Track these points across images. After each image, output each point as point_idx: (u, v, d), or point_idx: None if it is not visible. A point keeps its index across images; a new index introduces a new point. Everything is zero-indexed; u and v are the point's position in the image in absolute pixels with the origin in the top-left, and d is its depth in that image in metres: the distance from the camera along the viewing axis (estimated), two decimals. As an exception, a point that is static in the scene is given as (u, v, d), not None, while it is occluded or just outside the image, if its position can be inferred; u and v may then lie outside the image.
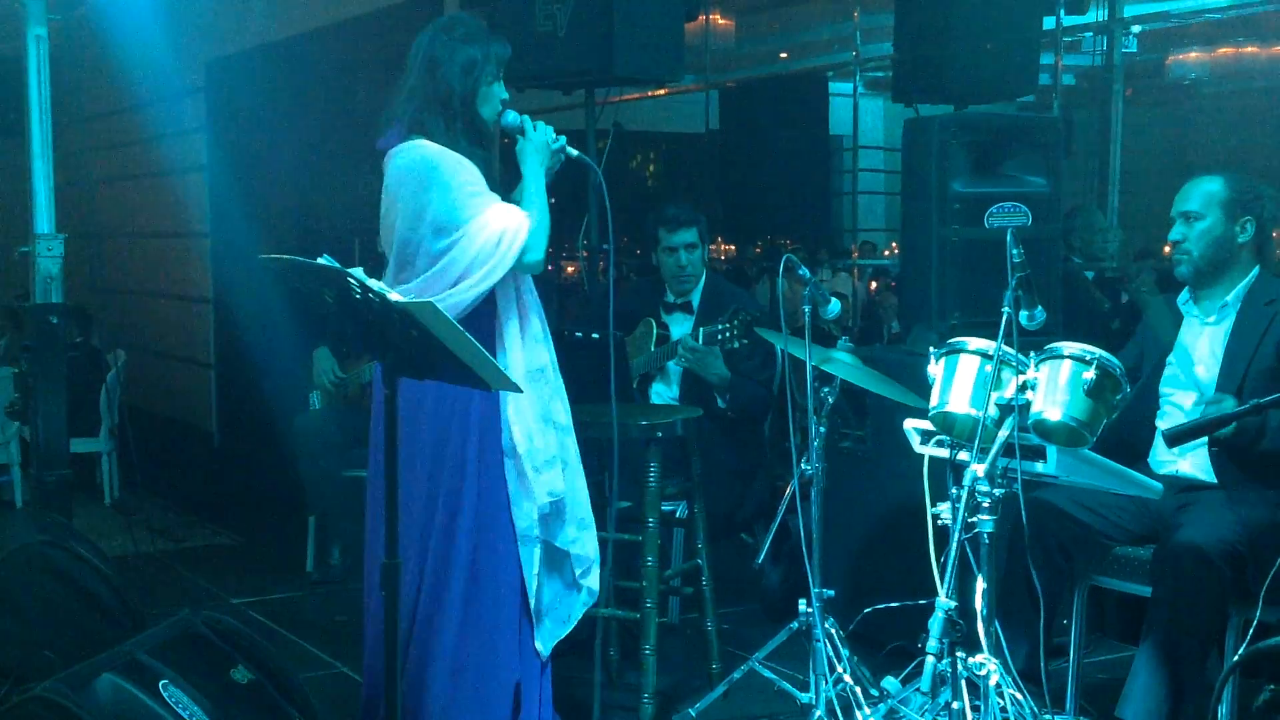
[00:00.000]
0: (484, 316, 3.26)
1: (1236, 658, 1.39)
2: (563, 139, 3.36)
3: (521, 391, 3.17)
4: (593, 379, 4.44)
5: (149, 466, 6.30)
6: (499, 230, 3.19)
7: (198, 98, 8.69)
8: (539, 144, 3.32)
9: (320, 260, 2.78)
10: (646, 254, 5.06)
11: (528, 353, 3.32)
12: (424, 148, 3.24)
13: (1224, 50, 11.26)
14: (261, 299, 7.28)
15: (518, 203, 3.33)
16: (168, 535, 6.28)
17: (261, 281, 7.07)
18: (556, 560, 3.44)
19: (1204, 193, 3.68)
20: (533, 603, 3.37)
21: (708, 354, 4.65)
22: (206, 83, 8.66)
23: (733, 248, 11.69)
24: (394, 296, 2.69)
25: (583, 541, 3.45)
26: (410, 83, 3.29)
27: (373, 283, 2.72)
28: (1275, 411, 3.37)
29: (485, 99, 3.30)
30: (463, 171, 3.21)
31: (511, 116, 3.35)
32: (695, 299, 4.95)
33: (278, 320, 6.64)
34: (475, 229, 3.18)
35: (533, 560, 3.37)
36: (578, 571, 3.46)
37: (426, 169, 3.21)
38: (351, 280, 2.70)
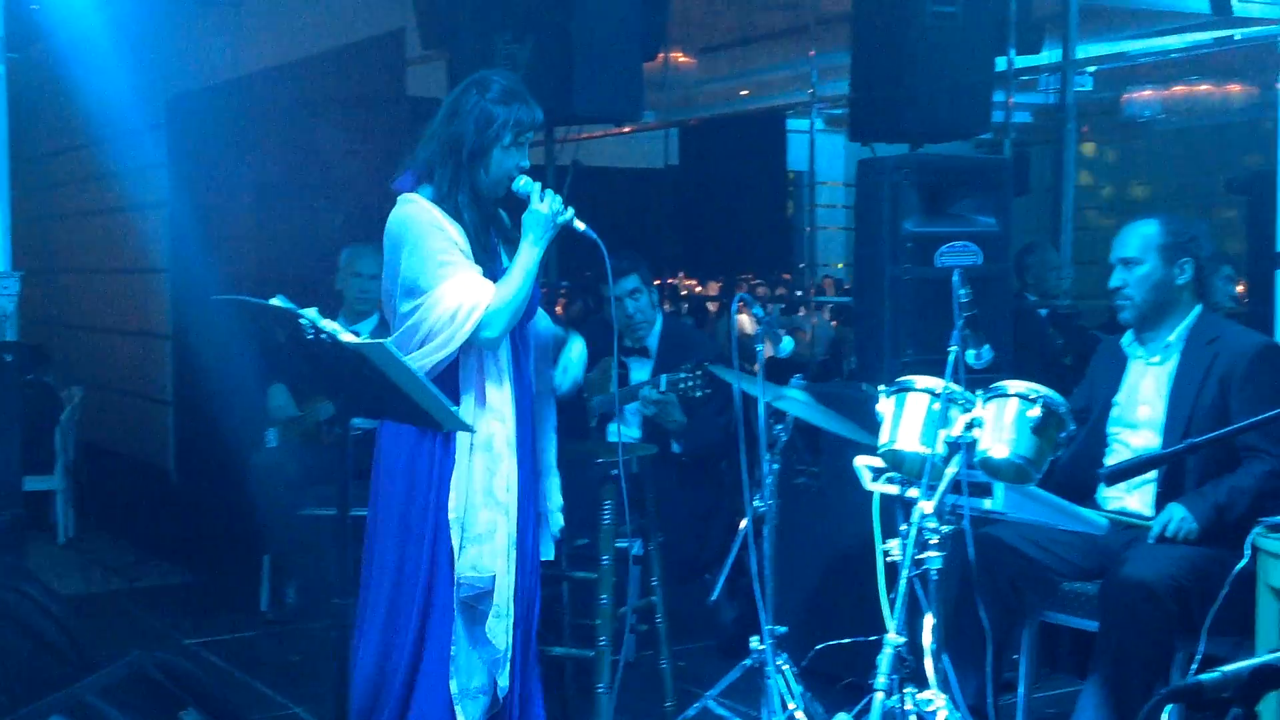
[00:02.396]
0: (446, 381, 3.22)
1: (1155, 699, 1.42)
2: (570, 212, 3.29)
3: (474, 431, 3.19)
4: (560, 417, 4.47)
5: (104, 504, 6.26)
6: (455, 304, 3.17)
7: (158, 134, 8.68)
8: (542, 217, 3.26)
9: (273, 301, 2.79)
10: (602, 296, 5.07)
11: (478, 424, 3.24)
12: (408, 206, 3.26)
13: (1177, 88, 11.44)
14: (221, 336, 7.24)
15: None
16: (122, 574, 6.23)
17: (221, 318, 7.03)
18: (478, 638, 3.29)
19: (1141, 237, 3.73)
20: (453, 682, 3.25)
21: (667, 403, 4.66)
22: (167, 118, 8.66)
23: (694, 283, 11.79)
24: (346, 337, 2.70)
25: (496, 631, 3.26)
26: (432, 128, 3.31)
27: (325, 323, 2.73)
28: (1228, 479, 3.45)
29: (497, 161, 3.27)
30: (436, 237, 3.21)
31: (521, 184, 3.30)
32: (652, 343, 4.96)
33: (237, 357, 6.61)
34: (435, 298, 3.19)
35: (455, 634, 3.26)
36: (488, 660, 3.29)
37: (403, 230, 3.24)
38: (304, 321, 2.71)
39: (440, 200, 3.25)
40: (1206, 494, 3.48)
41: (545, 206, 3.26)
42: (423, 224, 3.22)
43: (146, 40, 8.15)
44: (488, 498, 3.24)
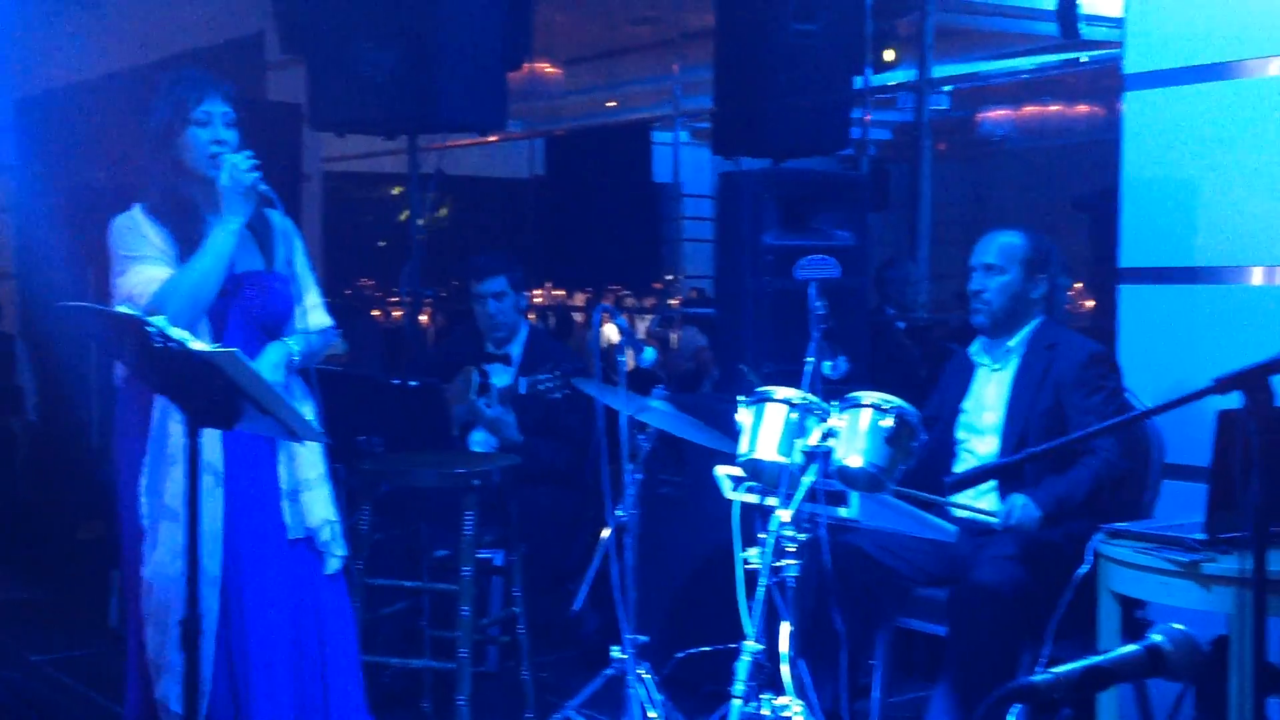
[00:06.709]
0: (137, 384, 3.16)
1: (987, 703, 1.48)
2: (254, 177, 3.16)
3: (328, 441, 3.14)
4: (413, 426, 4.43)
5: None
6: (127, 293, 3.17)
7: (7, 135, 8.44)
8: (226, 191, 3.17)
9: (120, 308, 2.73)
10: (468, 303, 5.04)
11: (168, 426, 3.15)
12: (114, 220, 3.26)
13: (1029, 109, 11.80)
14: (73, 343, 7.05)
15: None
16: (-35, 591, 6.02)
17: (73, 324, 6.84)
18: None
19: (1004, 247, 3.84)
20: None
21: (502, 418, 4.65)
22: (17, 120, 8.43)
23: (563, 292, 11.81)
24: (196, 346, 2.65)
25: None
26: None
27: (174, 331, 2.68)
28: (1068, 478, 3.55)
29: (185, 148, 3.22)
30: (126, 238, 3.22)
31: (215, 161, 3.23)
32: (516, 351, 4.94)
33: (90, 367, 6.44)
34: (115, 293, 3.19)
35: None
36: None
37: (107, 243, 3.26)
38: (151, 328, 2.66)
39: (151, 210, 3.24)
40: (1046, 484, 3.58)
41: (226, 179, 3.18)
42: (116, 230, 3.24)
43: (-5, 39, 7.92)
44: (160, 503, 3.15)
